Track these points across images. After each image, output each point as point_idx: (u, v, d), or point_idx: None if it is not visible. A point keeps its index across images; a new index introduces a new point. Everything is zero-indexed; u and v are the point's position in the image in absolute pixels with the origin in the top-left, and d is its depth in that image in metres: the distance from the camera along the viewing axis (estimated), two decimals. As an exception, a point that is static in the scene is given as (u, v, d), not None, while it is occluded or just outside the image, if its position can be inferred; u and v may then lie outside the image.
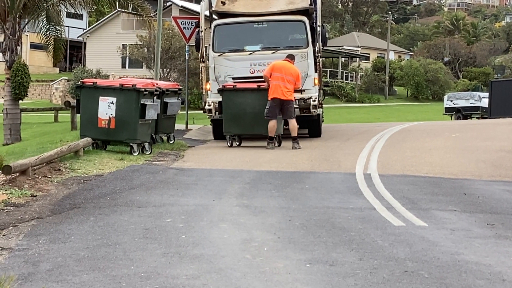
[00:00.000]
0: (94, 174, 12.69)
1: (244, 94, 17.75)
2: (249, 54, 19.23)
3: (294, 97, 17.83)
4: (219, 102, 18.75)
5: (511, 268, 7.00)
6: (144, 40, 50.95)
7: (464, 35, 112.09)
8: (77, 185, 11.46)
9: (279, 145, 17.63)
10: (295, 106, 18.69)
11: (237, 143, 18.07)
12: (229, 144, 17.95)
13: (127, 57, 60.02)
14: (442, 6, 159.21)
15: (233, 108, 17.74)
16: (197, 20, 22.73)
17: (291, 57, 17.91)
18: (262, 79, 18.26)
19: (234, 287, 6.27)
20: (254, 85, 17.83)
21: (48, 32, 26.31)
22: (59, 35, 26.73)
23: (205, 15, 20.21)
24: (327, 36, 20.40)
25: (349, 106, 66.99)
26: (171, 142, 18.10)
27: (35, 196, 10.41)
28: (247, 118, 17.62)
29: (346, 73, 78.49)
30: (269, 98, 17.22)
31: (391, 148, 17.11)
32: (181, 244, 7.73)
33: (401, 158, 15.32)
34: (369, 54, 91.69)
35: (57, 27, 26.35)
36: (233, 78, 18.94)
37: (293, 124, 17.45)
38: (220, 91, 18.04)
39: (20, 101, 25.11)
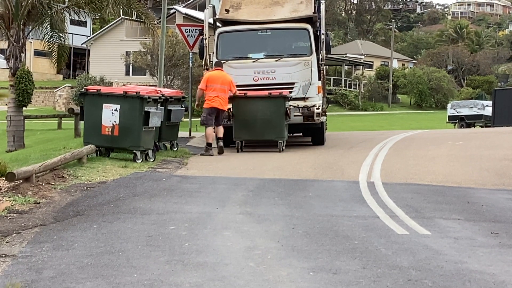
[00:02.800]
0: (98, 181, 12.69)
1: (255, 101, 18.20)
2: (253, 61, 19.25)
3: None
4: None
5: (515, 277, 6.99)
6: (148, 47, 51.09)
7: (467, 44, 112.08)
8: (80, 192, 11.47)
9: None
10: (298, 114, 18.89)
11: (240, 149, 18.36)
12: (239, 150, 18.35)
13: (131, 64, 60.11)
14: (446, 15, 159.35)
15: (244, 115, 18.19)
16: (201, 28, 22.76)
17: (220, 65, 18.50)
18: (266, 87, 18.59)
19: (237, 295, 6.27)
20: (266, 93, 18.15)
21: (51, 39, 26.32)
22: (63, 42, 26.76)
23: (209, 23, 20.22)
24: (331, 44, 20.40)
25: (353, 114, 66.99)
26: (175, 149, 18.11)
27: (39, 203, 10.42)
28: (258, 124, 18.13)
29: (349, 81, 78.49)
30: (205, 107, 17.94)
31: (395, 156, 17.10)
32: (184, 251, 7.72)
33: (405, 167, 15.32)
34: (372, 62, 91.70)
35: (60, 34, 26.35)
36: (237, 86, 18.96)
37: (221, 129, 18.24)
38: (230, 98, 18.21)
39: (24, 108, 25.12)
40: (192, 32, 24.35)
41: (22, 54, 24.33)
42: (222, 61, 19.22)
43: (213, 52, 19.57)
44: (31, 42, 54.04)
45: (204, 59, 19.85)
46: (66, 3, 25.90)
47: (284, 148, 18.28)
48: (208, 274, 6.85)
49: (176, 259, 7.41)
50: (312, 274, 6.91)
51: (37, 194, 11.00)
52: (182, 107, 18.44)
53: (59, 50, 26.91)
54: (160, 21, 28.38)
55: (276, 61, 19.18)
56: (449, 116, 52.62)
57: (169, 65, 46.67)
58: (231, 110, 18.46)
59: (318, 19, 19.97)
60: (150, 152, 15.83)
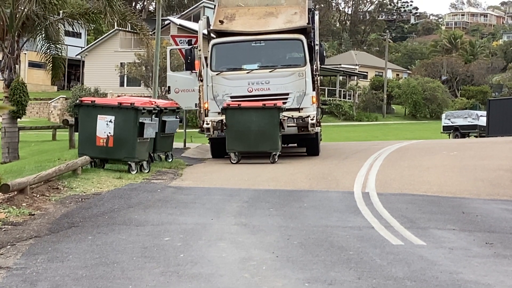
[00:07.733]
0: (92, 192, 12.67)
1: (249, 112, 18.09)
2: (247, 73, 19.26)
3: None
4: (218, 121, 18.82)
5: (510, 287, 6.99)
6: (142, 58, 51.13)
7: (461, 54, 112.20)
8: (75, 204, 11.45)
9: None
10: (293, 124, 18.90)
11: (234, 161, 18.21)
12: (233, 161, 18.21)
13: (125, 75, 60.10)
14: (440, 25, 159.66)
15: (237, 126, 18.07)
16: (190, 38, 22.83)
17: None
18: (261, 98, 18.56)
19: (232, 307, 6.26)
20: (260, 104, 18.06)
21: (48, 51, 26.31)
22: (59, 54, 26.73)
23: (203, 34, 20.23)
24: (325, 54, 20.45)
25: (347, 124, 67.01)
26: (169, 160, 18.10)
27: (33, 214, 10.40)
28: (252, 135, 18.02)
29: (344, 91, 78.54)
30: None
31: (389, 167, 17.11)
32: (179, 263, 7.71)
33: (399, 177, 15.33)
34: (367, 72, 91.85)
35: (57, 45, 26.34)
36: (231, 97, 18.98)
37: None
38: (224, 109, 18.20)
39: (18, 120, 25.09)
40: (186, 43, 24.39)
41: (16, 65, 24.31)
42: (216, 73, 19.24)
43: (208, 63, 19.53)
44: (25, 54, 54.09)
45: (199, 71, 19.74)
46: (61, 15, 25.90)
47: (276, 159, 18.21)
48: (203, 286, 6.84)
49: (171, 270, 7.39)
50: (307, 285, 6.90)
51: (32, 205, 10.97)
52: (176, 118, 18.44)
53: (56, 62, 26.88)
54: (154, 32, 28.38)
55: (270, 72, 19.19)
56: (443, 126, 52.68)
57: (164, 76, 46.62)
58: (224, 121, 18.43)
59: (312, 30, 20.00)
60: (144, 163, 15.83)
